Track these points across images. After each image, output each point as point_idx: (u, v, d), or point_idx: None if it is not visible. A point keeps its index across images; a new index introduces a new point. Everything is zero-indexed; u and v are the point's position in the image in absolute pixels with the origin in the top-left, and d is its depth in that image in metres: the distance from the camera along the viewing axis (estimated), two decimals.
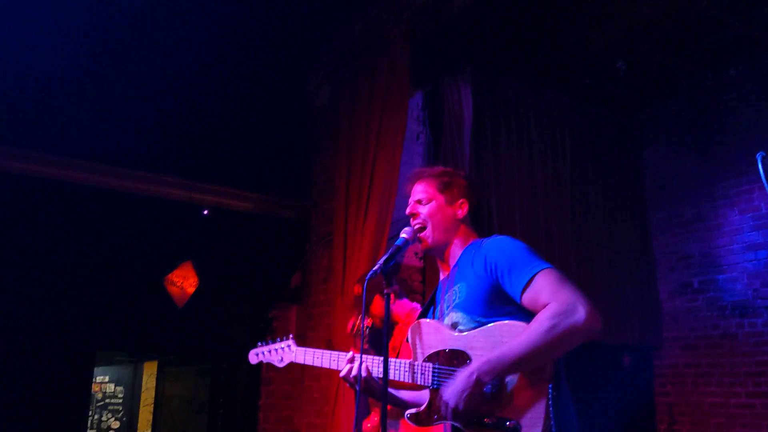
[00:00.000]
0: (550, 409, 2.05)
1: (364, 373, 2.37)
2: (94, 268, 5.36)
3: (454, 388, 2.17)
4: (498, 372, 2.12)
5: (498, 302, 2.22)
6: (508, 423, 2.11)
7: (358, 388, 2.38)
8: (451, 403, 2.17)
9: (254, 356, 2.86)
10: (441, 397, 2.21)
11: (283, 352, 2.74)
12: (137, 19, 5.40)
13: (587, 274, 6.20)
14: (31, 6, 4.95)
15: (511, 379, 2.14)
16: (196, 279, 5.74)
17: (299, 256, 6.13)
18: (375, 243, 4.96)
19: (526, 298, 2.14)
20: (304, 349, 2.67)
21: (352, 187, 5.39)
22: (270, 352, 2.79)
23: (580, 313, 2.04)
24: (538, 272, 2.14)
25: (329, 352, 2.57)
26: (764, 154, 2.21)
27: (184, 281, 5.70)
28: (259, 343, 2.86)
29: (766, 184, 2.08)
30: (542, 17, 5.36)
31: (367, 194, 5.17)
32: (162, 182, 5.63)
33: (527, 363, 2.09)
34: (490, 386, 2.15)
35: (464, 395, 2.14)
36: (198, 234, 5.82)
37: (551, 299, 2.09)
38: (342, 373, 2.44)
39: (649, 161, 7.04)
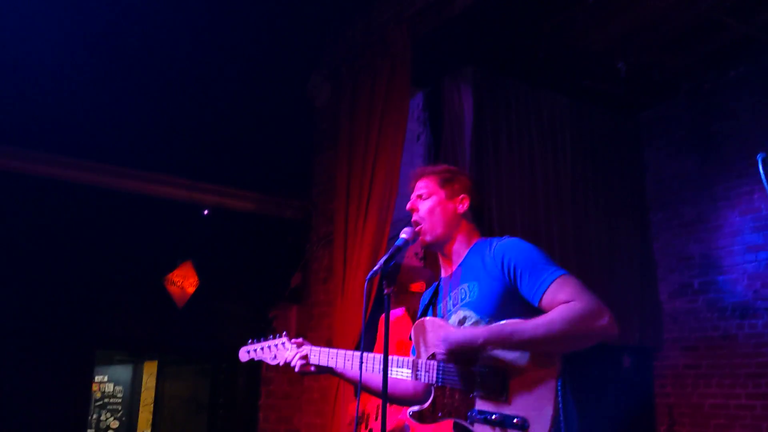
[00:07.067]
0: (560, 406, 2.06)
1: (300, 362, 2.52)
2: (95, 268, 5.37)
3: (462, 334, 2.20)
4: (507, 343, 2.13)
5: (510, 304, 2.22)
6: (515, 420, 2.10)
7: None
8: (448, 345, 2.21)
9: (245, 353, 2.75)
10: (443, 334, 2.23)
11: (277, 350, 2.64)
12: (138, 18, 5.40)
13: (587, 275, 6.19)
14: (31, 5, 4.95)
15: (519, 374, 2.14)
16: (196, 279, 5.75)
17: (299, 256, 6.13)
18: (375, 243, 4.96)
19: (546, 300, 2.15)
20: (312, 346, 2.57)
21: (353, 187, 5.39)
22: (263, 349, 2.69)
23: (605, 317, 2.07)
24: (558, 277, 2.16)
25: (336, 350, 2.51)
26: (765, 155, 2.21)
27: (184, 281, 5.70)
28: (250, 340, 2.75)
29: (766, 186, 2.07)
30: (543, 18, 5.36)
31: (367, 194, 5.16)
32: (162, 182, 5.64)
33: (538, 345, 2.11)
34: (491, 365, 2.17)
35: (465, 346, 2.18)
36: (198, 234, 5.82)
37: (574, 298, 2.10)
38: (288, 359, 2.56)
39: (649, 162, 7.03)
